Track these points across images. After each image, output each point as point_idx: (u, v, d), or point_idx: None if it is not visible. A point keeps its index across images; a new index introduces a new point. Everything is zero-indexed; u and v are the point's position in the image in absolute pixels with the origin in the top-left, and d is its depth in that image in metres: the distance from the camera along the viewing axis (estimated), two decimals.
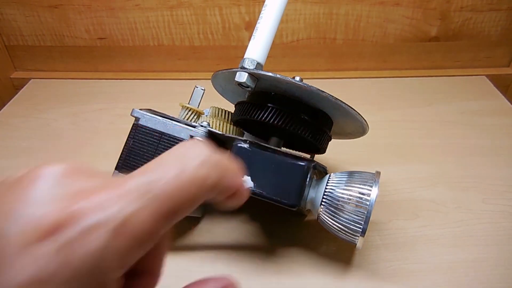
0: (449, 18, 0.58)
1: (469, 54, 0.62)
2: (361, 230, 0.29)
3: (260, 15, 0.32)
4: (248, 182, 0.31)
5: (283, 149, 0.34)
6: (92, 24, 0.60)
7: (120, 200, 0.13)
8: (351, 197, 0.30)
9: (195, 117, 0.37)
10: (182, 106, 0.37)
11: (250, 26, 0.59)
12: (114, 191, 0.13)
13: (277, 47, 0.61)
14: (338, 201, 0.30)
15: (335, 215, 0.30)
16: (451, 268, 0.34)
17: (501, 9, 0.58)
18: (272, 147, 0.32)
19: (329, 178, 0.32)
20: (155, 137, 0.34)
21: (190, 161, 0.15)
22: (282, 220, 0.38)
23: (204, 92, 0.37)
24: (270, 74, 0.29)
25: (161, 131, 0.34)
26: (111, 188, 0.13)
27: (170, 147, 0.34)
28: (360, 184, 0.30)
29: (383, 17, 0.58)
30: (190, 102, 0.37)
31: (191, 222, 0.38)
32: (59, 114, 0.55)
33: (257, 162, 0.31)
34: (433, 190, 0.41)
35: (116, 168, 0.34)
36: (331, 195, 0.30)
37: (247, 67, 0.31)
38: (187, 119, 0.37)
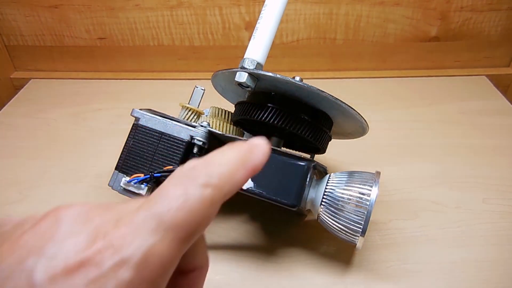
0: (449, 18, 0.58)
1: (469, 54, 0.62)
2: (361, 230, 0.29)
3: (260, 15, 0.32)
4: (248, 182, 0.31)
5: (283, 149, 0.34)
6: (92, 24, 0.60)
7: (136, 237, 0.14)
8: (351, 197, 0.30)
9: (195, 117, 0.37)
10: (182, 106, 0.37)
11: (250, 26, 0.59)
12: (127, 228, 0.14)
13: (277, 47, 0.61)
14: (338, 201, 0.30)
15: (335, 215, 0.30)
16: (451, 268, 0.34)
17: (501, 9, 0.58)
18: (272, 147, 0.32)
19: (329, 178, 0.32)
20: (155, 137, 0.34)
21: (191, 185, 0.15)
22: (282, 220, 0.38)
23: (204, 92, 0.37)
24: (270, 74, 0.29)
25: (161, 131, 0.34)
26: (124, 225, 0.14)
27: (170, 147, 0.35)
28: (360, 184, 0.30)
29: (383, 17, 0.58)
30: (190, 102, 0.37)
31: None
32: (59, 114, 0.55)
33: None
34: (433, 190, 0.41)
35: (116, 168, 0.34)
36: (331, 195, 0.30)
37: (247, 67, 0.31)
38: (187, 119, 0.37)
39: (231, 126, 0.37)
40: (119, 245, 0.14)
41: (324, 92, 0.28)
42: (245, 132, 0.38)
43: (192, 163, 0.17)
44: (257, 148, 0.18)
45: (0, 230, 0.16)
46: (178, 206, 0.15)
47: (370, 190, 0.29)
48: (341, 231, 0.30)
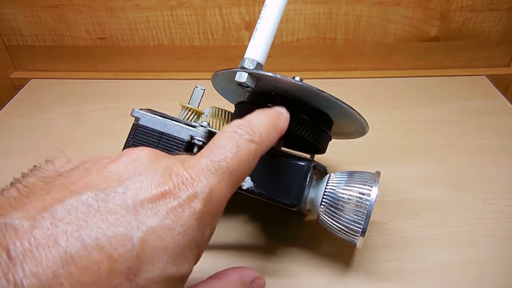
0: (449, 18, 0.58)
1: (469, 54, 0.62)
2: (361, 230, 0.29)
3: (260, 15, 0.32)
4: (248, 182, 0.31)
5: (283, 149, 0.34)
6: (92, 24, 0.60)
7: (202, 176, 0.17)
8: (351, 197, 0.30)
9: (195, 117, 0.37)
10: (182, 106, 0.37)
11: (250, 26, 0.59)
12: (194, 169, 0.17)
13: (277, 47, 0.61)
14: (338, 201, 0.30)
15: (335, 215, 0.30)
16: (451, 268, 0.34)
17: (501, 9, 0.58)
18: (272, 147, 0.32)
19: (329, 178, 0.32)
20: (155, 137, 0.34)
21: (240, 140, 0.19)
22: (282, 220, 0.38)
23: (204, 92, 0.37)
24: (270, 74, 0.29)
25: (161, 131, 0.34)
26: (190, 167, 0.17)
27: (170, 147, 0.35)
28: (360, 184, 0.30)
29: (383, 17, 0.58)
30: (190, 102, 0.37)
31: None
32: (59, 114, 0.55)
33: (257, 162, 0.31)
34: (433, 190, 0.41)
35: None
36: (331, 195, 0.30)
37: (247, 67, 0.31)
38: (187, 119, 0.37)
39: None
40: (190, 182, 0.17)
41: (324, 92, 0.28)
42: None
43: (237, 122, 0.20)
44: (282, 115, 0.23)
45: (71, 166, 0.19)
46: (232, 156, 0.18)
47: (370, 190, 0.29)
48: (341, 231, 0.30)
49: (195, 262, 0.18)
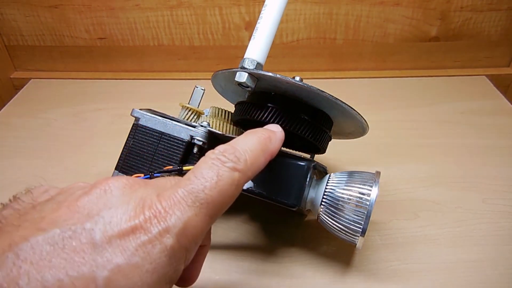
0: (449, 18, 0.58)
1: (469, 54, 0.62)
2: (361, 230, 0.29)
3: (260, 15, 0.32)
4: (248, 182, 0.31)
5: (283, 149, 0.34)
6: (92, 24, 0.60)
7: (176, 209, 0.16)
8: (351, 197, 0.30)
9: (195, 117, 0.37)
10: (182, 106, 0.37)
11: (250, 26, 0.59)
12: (168, 201, 0.17)
13: (277, 47, 0.61)
14: (338, 201, 0.30)
15: (335, 215, 0.30)
16: (451, 268, 0.34)
17: (501, 9, 0.58)
18: None
19: (329, 178, 0.32)
20: (155, 137, 0.34)
21: (222, 168, 0.18)
22: (282, 220, 0.38)
23: (204, 92, 0.37)
24: (270, 74, 0.29)
25: (161, 131, 0.34)
26: (165, 199, 0.17)
27: (170, 147, 0.35)
28: (360, 184, 0.30)
29: (383, 17, 0.58)
30: (190, 102, 0.37)
31: None
32: (59, 114, 0.55)
33: None
34: (433, 190, 0.41)
35: (116, 168, 0.34)
36: (331, 195, 0.30)
37: (247, 67, 0.31)
38: (187, 119, 0.37)
39: (231, 126, 0.37)
40: (163, 216, 0.16)
41: (324, 92, 0.28)
42: None
43: (221, 147, 0.19)
44: (275, 136, 0.22)
45: (48, 196, 0.18)
46: (211, 186, 0.17)
47: (370, 190, 0.29)
48: (341, 231, 0.30)
49: (191, 281, 0.18)
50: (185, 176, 0.18)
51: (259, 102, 0.32)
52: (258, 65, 0.31)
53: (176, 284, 0.21)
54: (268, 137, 0.21)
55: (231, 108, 0.37)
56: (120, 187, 0.17)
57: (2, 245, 0.14)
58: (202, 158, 0.19)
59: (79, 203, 0.16)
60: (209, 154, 0.19)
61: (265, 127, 0.22)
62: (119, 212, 0.16)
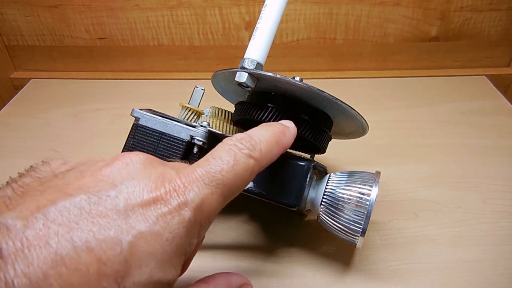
0: (449, 18, 0.58)
1: (469, 54, 0.62)
2: (361, 230, 0.29)
3: (260, 15, 0.32)
4: None
5: None
6: (92, 24, 0.60)
7: (194, 186, 0.17)
8: (351, 197, 0.30)
9: (195, 117, 0.37)
10: (182, 106, 0.37)
11: (250, 26, 0.59)
12: (188, 178, 0.18)
13: (277, 47, 0.61)
14: (338, 201, 0.30)
15: (335, 215, 0.30)
16: (451, 268, 0.34)
17: (501, 9, 0.58)
18: None
19: (329, 178, 0.32)
20: (155, 137, 0.34)
21: (239, 154, 0.19)
22: (282, 220, 0.38)
23: (204, 92, 0.37)
24: (270, 74, 0.29)
25: (161, 131, 0.34)
26: (184, 176, 0.18)
27: (170, 147, 0.35)
28: (360, 184, 0.30)
29: (383, 17, 0.58)
30: (190, 102, 0.37)
31: None
32: (59, 114, 0.55)
33: None
34: (433, 190, 0.41)
35: None
36: (331, 195, 0.30)
37: (247, 67, 0.31)
38: (187, 119, 0.37)
39: (231, 126, 0.37)
40: (182, 190, 0.17)
41: (324, 92, 0.28)
42: None
43: (238, 135, 0.20)
44: (288, 131, 0.23)
45: (67, 167, 0.19)
46: (228, 169, 0.18)
47: (370, 190, 0.29)
48: (341, 231, 0.30)
49: (182, 271, 0.18)
50: (203, 158, 0.19)
51: (259, 102, 0.32)
52: (258, 65, 0.31)
53: None
54: (282, 131, 0.22)
55: (231, 108, 0.37)
56: (141, 161, 0.18)
57: (30, 207, 0.15)
58: (220, 144, 0.20)
59: (102, 172, 0.17)
60: (227, 140, 0.20)
61: (279, 122, 0.23)
62: (141, 184, 0.17)
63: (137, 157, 0.18)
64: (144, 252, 0.15)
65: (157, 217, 0.16)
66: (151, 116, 0.34)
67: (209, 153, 0.19)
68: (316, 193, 0.31)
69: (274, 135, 0.21)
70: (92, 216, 0.15)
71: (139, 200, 0.16)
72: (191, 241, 0.17)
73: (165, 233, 0.16)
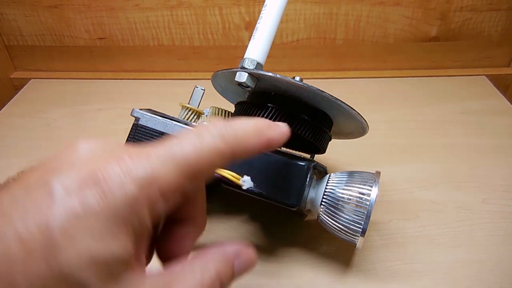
0: (449, 18, 0.58)
1: (469, 54, 0.62)
2: (361, 230, 0.29)
3: (260, 15, 0.32)
4: (248, 182, 0.31)
5: (283, 149, 0.34)
6: (92, 24, 0.60)
7: (144, 160, 0.16)
8: (351, 197, 0.30)
9: (195, 117, 0.37)
10: (182, 106, 0.37)
11: (250, 26, 0.59)
12: (138, 153, 0.17)
13: (277, 47, 0.61)
14: (338, 201, 0.30)
15: (335, 215, 0.30)
16: (451, 268, 0.34)
17: (501, 9, 0.58)
18: None
19: (329, 178, 0.32)
20: (155, 137, 0.34)
21: (207, 134, 0.18)
22: (282, 220, 0.38)
23: (204, 92, 0.37)
24: (270, 74, 0.29)
25: (161, 131, 0.34)
26: (135, 151, 0.17)
27: None
28: (360, 184, 0.30)
29: (383, 17, 0.58)
30: (190, 102, 0.37)
31: None
32: (59, 114, 0.55)
33: (257, 162, 0.31)
34: (433, 190, 0.41)
35: None
36: (331, 195, 0.30)
37: (247, 67, 0.31)
38: (187, 119, 0.37)
39: None
40: (129, 168, 0.16)
41: (324, 92, 0.28)
42: None
43: (214, 121, 0.19)
44: (276, 126, 0.21)
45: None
46: (190, 148, 0.17)
47: (370, 190, 0.29)
48: (341, 231, 0.30)
49: (140, 249, 0.17)
50: (169, 137, 0.18)
51: (259, 102, 0.32)
52: (258, 65, 0.31)
53: (158, 256, 0.21)
54: (267, 124, 0.21)
55: (231, 108, 0.37)
56: (90, 145, 0.18)
57: None
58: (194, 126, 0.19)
59: (45, 162, 0.17)
60: (200, 124, 0.19)
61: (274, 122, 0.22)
62: (83, 166, 0.16)
63: (88, 143, 0.18)
64: (77, 226, 0.15)
65: (96, 197, 0.15)
66: (151, 116, 0.34)
67: (177, 133, 0.19)
68: (316, 193, 0.31)
69: (256, 125, 0.20)
70: (22, 203, 0.15)
71: (76, 181, 0.15)
72: (140, 218, 0.16)
73: (101, 207, 0.15)
